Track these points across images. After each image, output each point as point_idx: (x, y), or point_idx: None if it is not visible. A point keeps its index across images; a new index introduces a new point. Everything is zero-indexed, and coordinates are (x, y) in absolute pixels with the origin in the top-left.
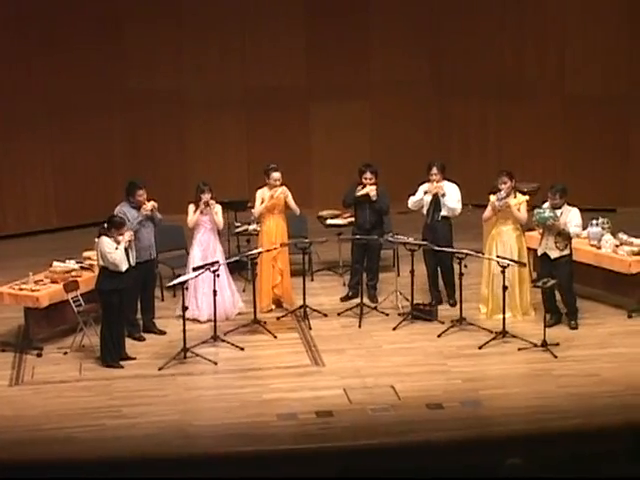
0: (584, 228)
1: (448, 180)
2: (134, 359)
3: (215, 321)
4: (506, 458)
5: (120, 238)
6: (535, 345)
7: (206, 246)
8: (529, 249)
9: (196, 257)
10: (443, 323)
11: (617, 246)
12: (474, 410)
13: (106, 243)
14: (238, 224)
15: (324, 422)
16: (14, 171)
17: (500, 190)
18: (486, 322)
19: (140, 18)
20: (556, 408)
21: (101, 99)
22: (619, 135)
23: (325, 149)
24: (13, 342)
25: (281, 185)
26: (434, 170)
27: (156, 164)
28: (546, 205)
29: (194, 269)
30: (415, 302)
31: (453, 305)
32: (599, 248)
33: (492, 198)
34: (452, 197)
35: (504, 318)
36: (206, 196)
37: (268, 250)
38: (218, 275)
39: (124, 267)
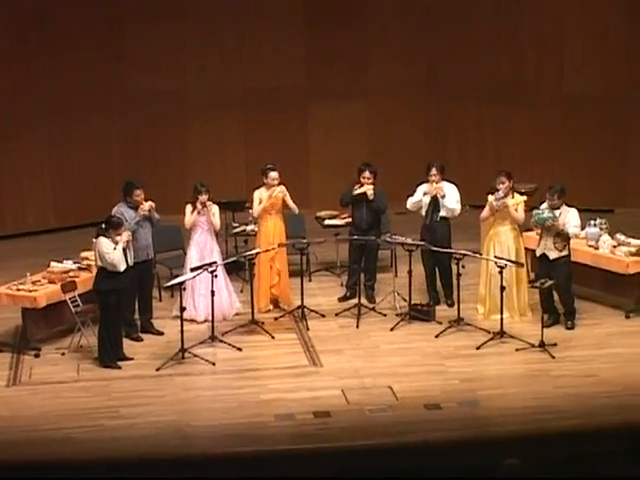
0: (582, 229)
1: (447, 181)
2: (132, 359)
3: (213, 322)
4: (504, 458)
5: (118, 238)
6: (533, 345)
7: (203, 247)
8: (527, 249)
9: (193, 258)
10: (441, 323)
11: (615, 247)
12: (472, 410)
13: (104, 243)
14: (236, 224)
15: (322, 422)
16: (12, 171)
17: (498, 190)
18: (484, 322)
19: (140, 19)
20: (554, 408)
21: (99, 99)
22: (617, 136)
23: (323, 150)
24: (10, 342)
25: (279, 184)
26: (433, 171)
27: (154, 164)
28: (544, 206)
29: (192, 269)
30: (413, 302)
31: (451, 305)
32: (597, 249)
33: (490, 198)
34: (451, 198)
35: (502, 318)
36: (203, 197)
37: (266, 250)
38: (216, 276)
39: (122, 267)
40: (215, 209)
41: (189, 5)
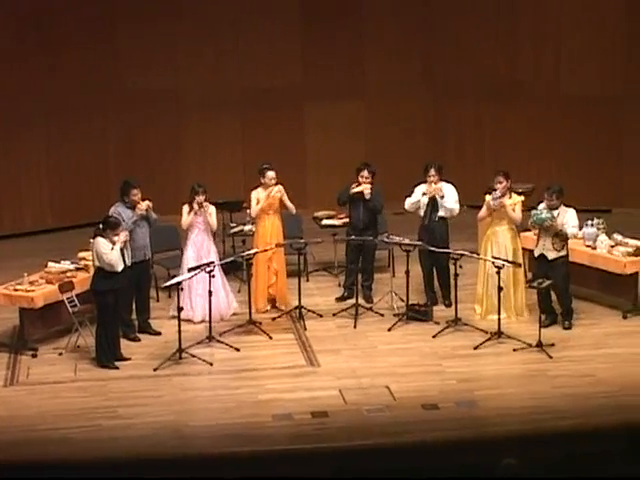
0: (579, 229)
1: (445, 181)
2: (129, 360)
3: (210, 322)
4: (501, 458)
5: (115, 239)
6: (530, 346)
7: (200, 247)
8: (524, 249)
9: (190, 258)
10: (438, 324)
11: (612, 247)
12: (469, 411)
13: (102, 244)
14: (233, 225)
15: (319, 422)
16: (9, 171)
17: (495, 190)
18: (481, 323)
19: (135, 18)
20: (551, 408)
21: (96, 99)
22: (615, 136)
23: (320, 149)
24: (8, 343)
25: (276, 184)
26: (432, 171)
27: (151, 164)
28: (542, 206)
29: (189, 270)
30: (410, 303)
31: (448, 306)
32: (594, 249)
33: (487, 198)
34: (450, 198)
35: (499, 319)
36: (200, 198)
37: (264, 250)
38: (213, 276)
39: (120, 268)
40: (212, 209)
41: (184, 5)
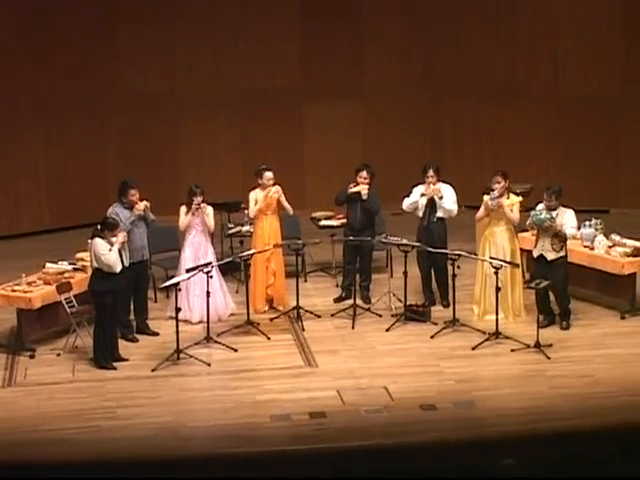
0: (578, 229)
1: (443, 182)
2: (127, 360)
3: (208, 322)
4: (499, 459)
5: (114, 240)
6: (528, 346)
7: (197, 247)
8: (522, 250)
9: (187, 259)
10: (436, 324)
11: (610, 247)
12: (467, 411)
13: (100, 245)
14: (231, 225)
15: (317, 423)
16: (7, 172)
17: (493, 190)
18: (479, 323)
19: (133, 19)
20: (549, 409)
21: (94, 100)
22: (612, 136)
23: (318, 150)
24: (6, 343)
25: (274, 184)
26: (430, 172)
27: (149, 165)
28: (541, 207)
29: (187, 270)
30: (408, 303)
31: (446, 306)
32: (592, 249)
33: (485, 198)
34: (449, 199)
35: (497, 319)
36: (198, 199)
37: (262, 251)
38: (211, 276)
39: (118, 269)
40: (209, 210)
41: (182, 6)
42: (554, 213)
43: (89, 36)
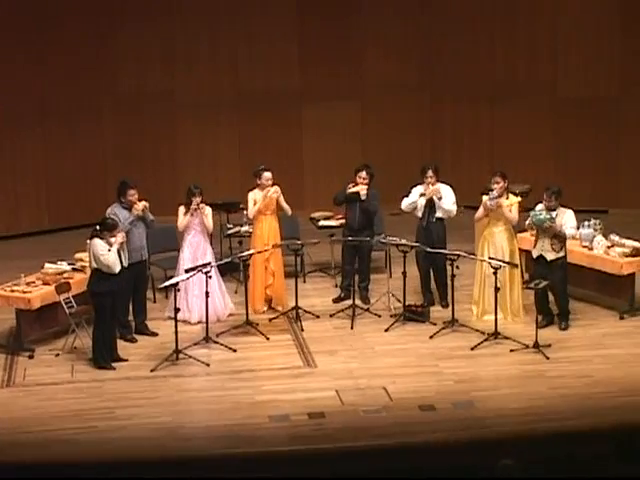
0: (576, 229)
1: (442, 182)
2: (126, 361)
3: (207, 323)
4: (498, 459)
5: (112, 240)
6: (527, 346)
7: (196, 248)
8: (521, 250)
9: (186, 259)
10: (435, 324)
11: (609, 247)
12: (466, 411)
13: (99, 245)
14: (230, 226)
15: (316, 423)
16: (6, 172)
17: (492, 190)
18: (478, 323)
19: (131, 19)
20: (549, 409)
21: (93, 100)
22: (611, 137)
23: (317, 150)
24: (5, 344)
25: (273, 185)
26: (429, 173)
27: (148, 165)
28: (540, 207)
29: (186, 271)
30: (407, 303)
31: (445, 306)
32: (591, 249)
33: (484, 198)
34: (448, 199)
35: (496, 319)
36: (197, 199)
37: (261, 251)
38: (210, 277)
39: (117, 269)
40: (208, 211)
41: (181, 6)
42: (554, 213)
43: (89, 36)
